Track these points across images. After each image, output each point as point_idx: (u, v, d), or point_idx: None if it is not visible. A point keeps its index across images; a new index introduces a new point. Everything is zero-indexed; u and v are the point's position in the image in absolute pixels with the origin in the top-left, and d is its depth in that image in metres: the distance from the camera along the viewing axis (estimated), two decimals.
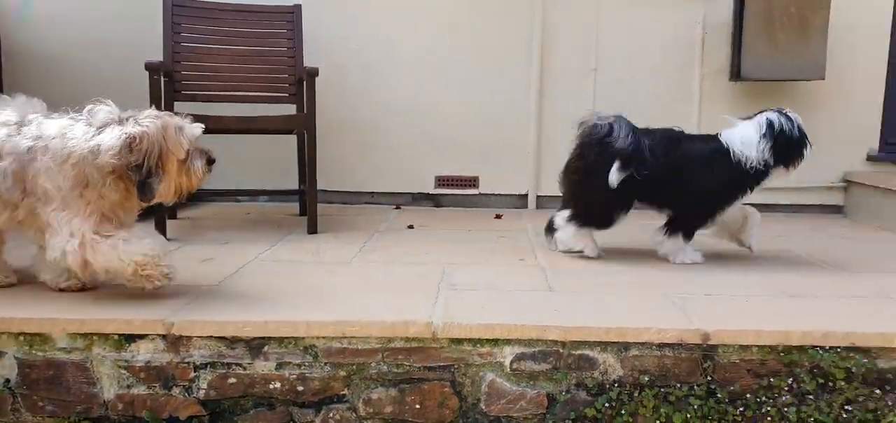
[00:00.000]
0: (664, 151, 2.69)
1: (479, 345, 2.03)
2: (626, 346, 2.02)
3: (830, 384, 2.00)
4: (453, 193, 4.26)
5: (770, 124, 2.68)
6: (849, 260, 2.93)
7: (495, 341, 2.03)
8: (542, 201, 4.23)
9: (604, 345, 2.03)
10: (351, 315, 2.04)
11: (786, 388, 2.01)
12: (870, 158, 4.13)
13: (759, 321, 2.08)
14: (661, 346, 2.03)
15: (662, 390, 2.02)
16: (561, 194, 3.01)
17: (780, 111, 2.72)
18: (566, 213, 2.89)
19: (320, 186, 4.09)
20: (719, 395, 2.02)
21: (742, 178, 2.69)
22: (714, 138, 2.76)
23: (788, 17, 3.71)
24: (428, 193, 4.27)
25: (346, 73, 4.16)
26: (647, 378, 2.02)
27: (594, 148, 2.70)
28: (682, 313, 2.15)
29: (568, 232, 2.87)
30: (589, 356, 2.03)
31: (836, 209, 4.21)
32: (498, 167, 4.22)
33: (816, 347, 2.01)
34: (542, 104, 4.15)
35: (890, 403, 1.97)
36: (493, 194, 4.26)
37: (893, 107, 4.11)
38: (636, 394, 2.02)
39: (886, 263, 2.90)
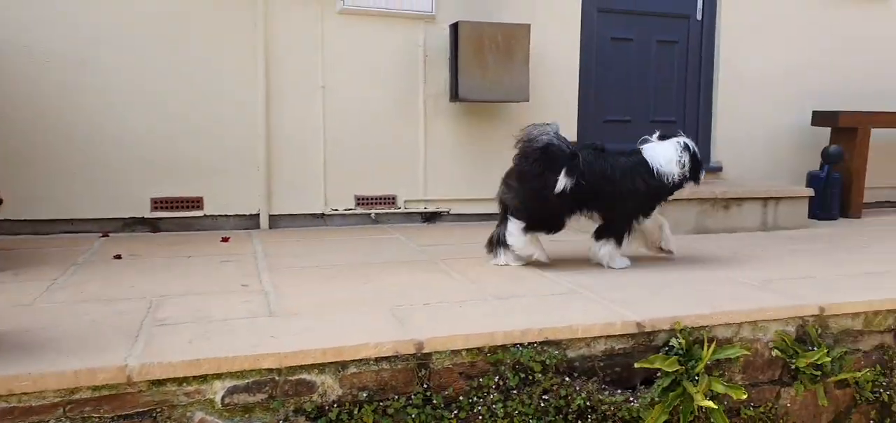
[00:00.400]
0: (597, 162, 3.00)
1: (184, 384, 1.84)
2: (345, 365, 1.99)
3: (530, 377, 2.18)
4: (174, 217, 3.92)
5: (686, 146, 3.14)
6: (551, 260, 3.24)
7: (204, 378, 1.86)
8: (275, 220, 4.09)
9: (322, 367, 1.97)
10: (20, 368, 1.73)
11: (494, 386, 2.14)
12: None
13: (468, 326, 2.20)
14: (378, 360, 2.03)
15: (381, 403, 2.02)
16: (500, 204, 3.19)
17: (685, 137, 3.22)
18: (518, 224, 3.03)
19: (5, 215, 3.50)
20: (435, 401, 2.08)
21: (663, 188, 3.11)
22: (637, 153, 3.13)
23: (497, 46, 4.06)
24: (143, 218, 3.87)
25: (37, 87, 3.60)
26: (365, 394, 2.01)
27: (536, 156, 2.88)
28: (400, 325, 2.19)
29: (520, 241, 3.03)
30: (307, 379, 1.96)
31: None
32: (225, 187, 3.98)
33: (517, 344, 2.17)
34: (271, 121, 4.01)
35: (577, 387, 2.20)
36: (221, 215, 4.01)
37: (585, 127, 4.72)
38: (356, 411, 2.00)
39: (580, 261, 3.27)
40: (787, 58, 5.10)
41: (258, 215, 4.06)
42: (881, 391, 2.58)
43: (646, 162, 3.09)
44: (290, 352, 1.94)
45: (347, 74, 4.15)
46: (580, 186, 2.91)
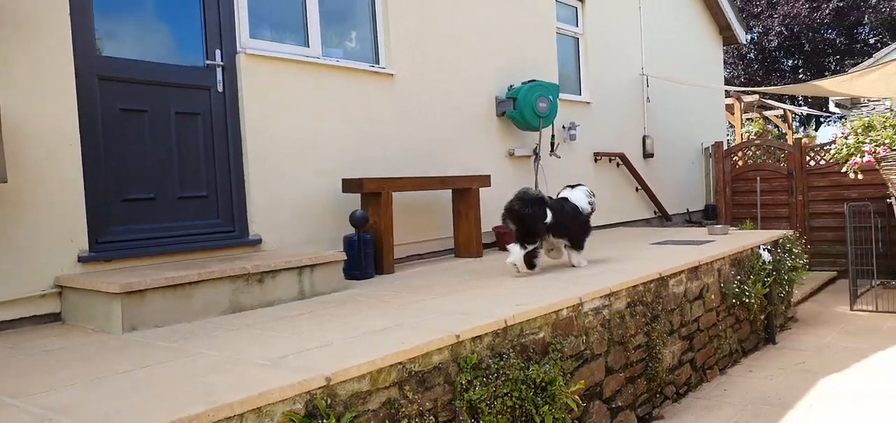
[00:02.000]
0: (560, 206, 4.89)
1: None
2: None
3: None
4: None
5: (590, 191, 5.12)
6: (17, 384, 2.55)
7: None
8: None
9: None
10: None
11: None
12: (81, 260, 3.97)
13: None
14: None
15: None
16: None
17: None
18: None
19: None
20: None
21: (588, 219, 5.09)
22: (568, 201, 4.98)
23: None
24: None
25: None
26: None
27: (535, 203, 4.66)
28: None
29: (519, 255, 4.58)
30: None
31: (55, 317, 3.87)
32: None
33: None
34: None
35: None
36: None
37: (95, 208, 4.07)
38: None
39: (52, 378, 2.65)
40: (316, 131, 5.30)
41: None
42: None
43: (576, 206, 4.96)
44: None
45: None
46: (556, 221, 4.72)
